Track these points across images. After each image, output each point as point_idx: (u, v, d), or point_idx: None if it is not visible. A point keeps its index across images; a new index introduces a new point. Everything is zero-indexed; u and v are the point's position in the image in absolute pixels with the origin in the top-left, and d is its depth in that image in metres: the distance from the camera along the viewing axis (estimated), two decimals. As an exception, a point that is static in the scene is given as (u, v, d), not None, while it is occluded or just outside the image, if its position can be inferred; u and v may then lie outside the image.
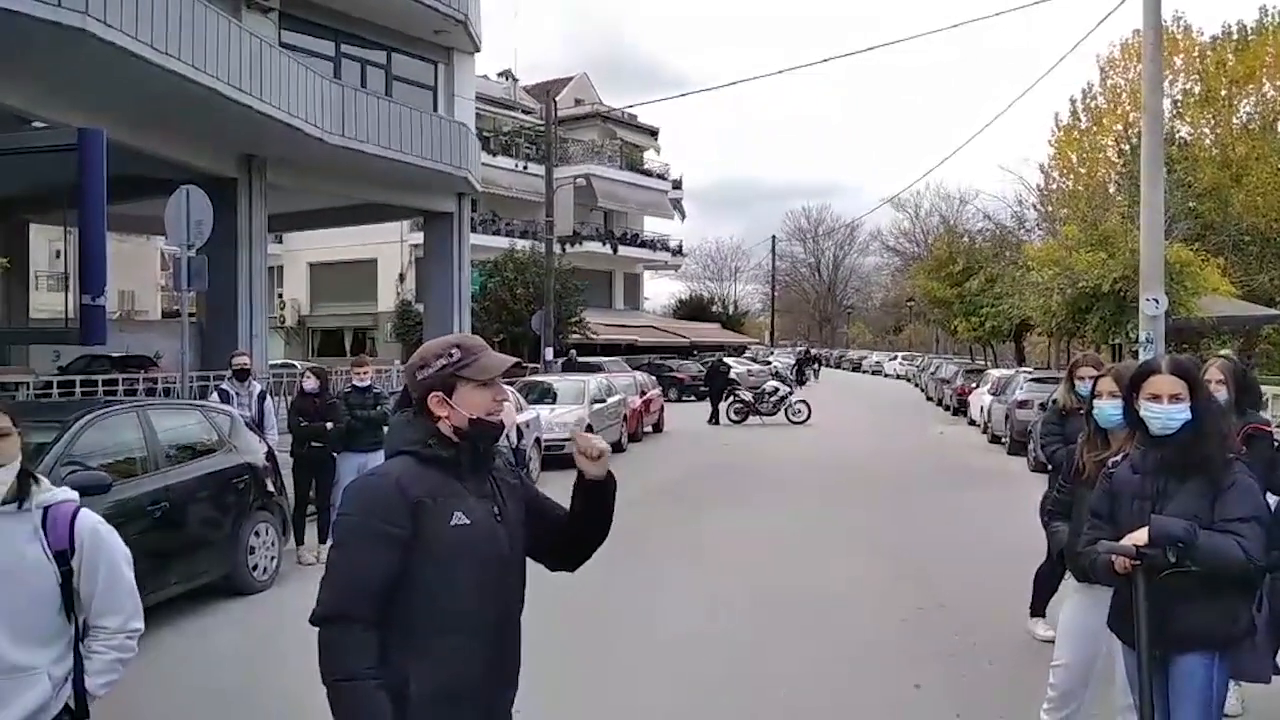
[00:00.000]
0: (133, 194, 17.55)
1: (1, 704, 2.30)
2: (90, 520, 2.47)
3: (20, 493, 2.39)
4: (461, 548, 2.31)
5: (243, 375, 10.01)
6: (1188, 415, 3.21)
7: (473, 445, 2.41)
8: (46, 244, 28.68)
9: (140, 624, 2.57)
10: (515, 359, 2.60)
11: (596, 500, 2.55)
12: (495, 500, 2.44)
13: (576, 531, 2.62)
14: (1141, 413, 3.28)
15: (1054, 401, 6.09)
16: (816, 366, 54.22)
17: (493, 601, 2.39)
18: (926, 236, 60.09)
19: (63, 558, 2.39)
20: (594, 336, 37.08)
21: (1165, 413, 3.22)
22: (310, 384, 9.18)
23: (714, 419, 25.35)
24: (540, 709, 4.44)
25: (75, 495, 2.53)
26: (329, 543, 9.47)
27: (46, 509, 2.42)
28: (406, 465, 2.34)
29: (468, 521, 2.33)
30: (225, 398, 9.66)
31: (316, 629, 2.29)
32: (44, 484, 2.47)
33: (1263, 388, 17.59)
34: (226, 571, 7.58)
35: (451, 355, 2.41)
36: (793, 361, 46.84)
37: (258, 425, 9.21)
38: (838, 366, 69.80)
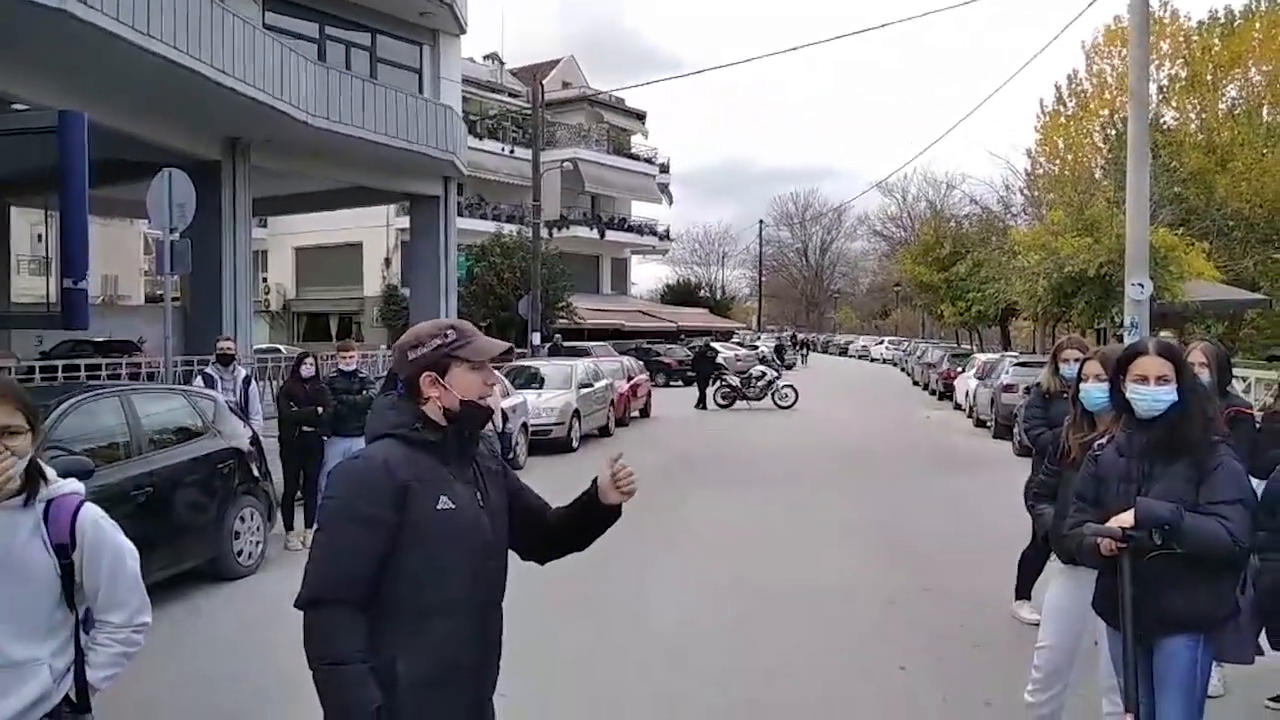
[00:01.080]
0: (115, 177, 17.41)
1: (0, 695, 2.27)
2: (92, 514, 2.42)
3: (27, 487, 2.34)
4: (447, 532, 2.30)
5: (227, 360, 9.95)
6: (1174, 397, 3.21)
7: (460, 429, 2.41)
8: (28, 227, 28.39)
9: (147, 617, 2.52)
10: (508, 344, 2.61)
11: (598, 522, 2.59)
12: (478, 485, 2.44)
13: (561, 536, 2.65)
14: (1128, 394, 3.28)
15: (1038, 385, 6.10)
16: (805, 351, 54.05)
17: (478, 587, 2.38)
18: (914, 221, 60.22)
19: (63, 551, 2.35)
20: (581, 321, 37.04)
21: (1152, 394, 3.23)
22: (309, 369, 9.14)
23: (701, 404, 25.36)
24: (528, 694, 4.45)
25: (80, 487, 2.48)
26: (314, 527, 9.36)
27: (49, 501, 2.38)
28: (392, 448, 2.33)
29: (453, 506, 2.32)
30: (209, 382, 9.60)
31: (302, 613, 2.27)
32: (51, 477, 2.42)
33: (1247, 371, 17.67)
34: (211, 556, 7.55)
35: (447, 336, 2.41)
36: (773, 346, 45.62)
37: (242, 410, 9.16)
38: (825, 351, 69.95)
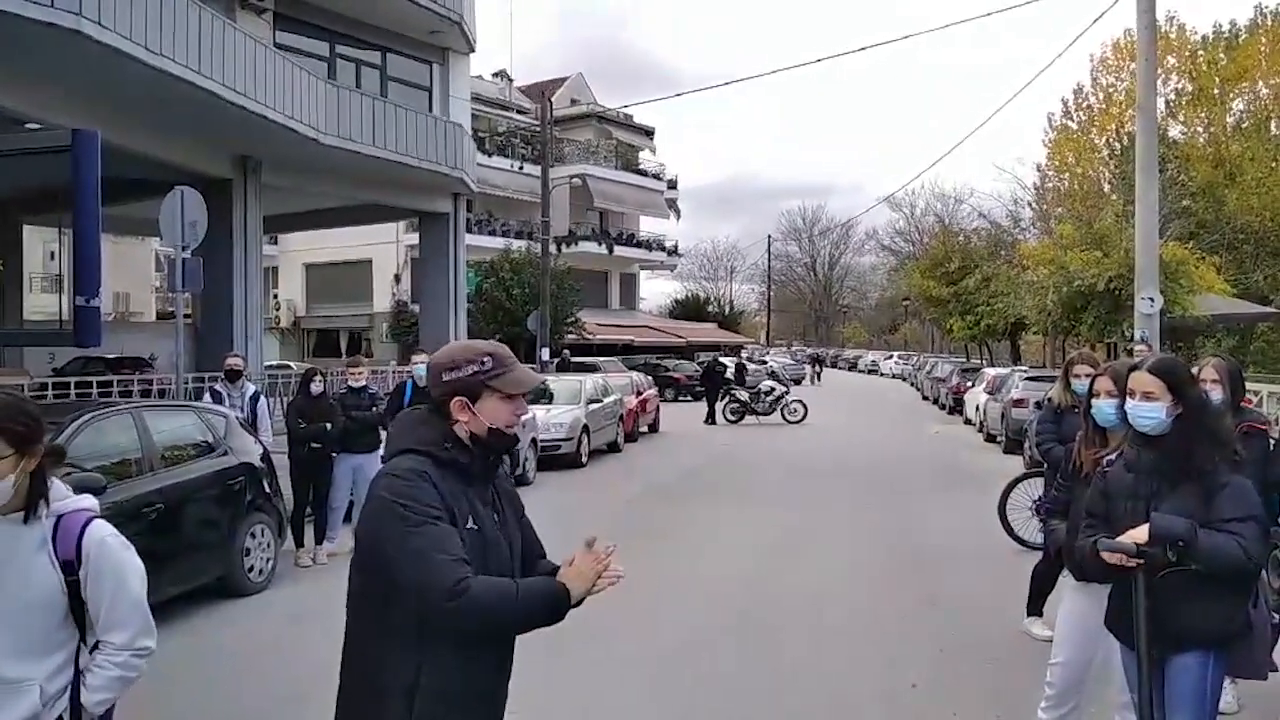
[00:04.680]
0: (127, 195, 17.54)
1: None
2: (100, 532, 2.39)
3: (27, 505, 2.32)
4: (472, 553, 2.27)
5: (234, 377, 9.98)
6: (1159, 416, 3.21)
7: (485, 453, 2.39)
8: (41, 245, 28.54)
9: (150, 642, 2.48)
10: (544, 377, 2.58)
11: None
12: (496, 506, 2.43)
13: None
14: (1126, 408, 3.32)
15: (1049, 400, 6.08)
16: (818, 369, 53.48)
17: None
18: (922, 236, 60.13)
19: (69, 568, 2.33)
20: (590, 337, 37.03)
21: (1133, 409, 3.27)
22: (318, 386, 9.17)
23: (710, 419, 25.34)
24: (537, 710, 4.44)
25: (93, 503, 2.46)
26: (325, 544, 9.30)
27: (60, 517, 2.36)
28: (423, 464, 2.29)
29: (476, 527, 2.31)
30: (217, 399, 9.63)
31: (454, 607, 2.17)
32: (58, 493, 2.39)
33: (1259, 386, 17.60)
34: (222, 573, 7.55)
35: (484, 363, 2.38)
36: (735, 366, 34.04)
37: (251, 426, 9.18)
38: (833, 366, 69.83)
